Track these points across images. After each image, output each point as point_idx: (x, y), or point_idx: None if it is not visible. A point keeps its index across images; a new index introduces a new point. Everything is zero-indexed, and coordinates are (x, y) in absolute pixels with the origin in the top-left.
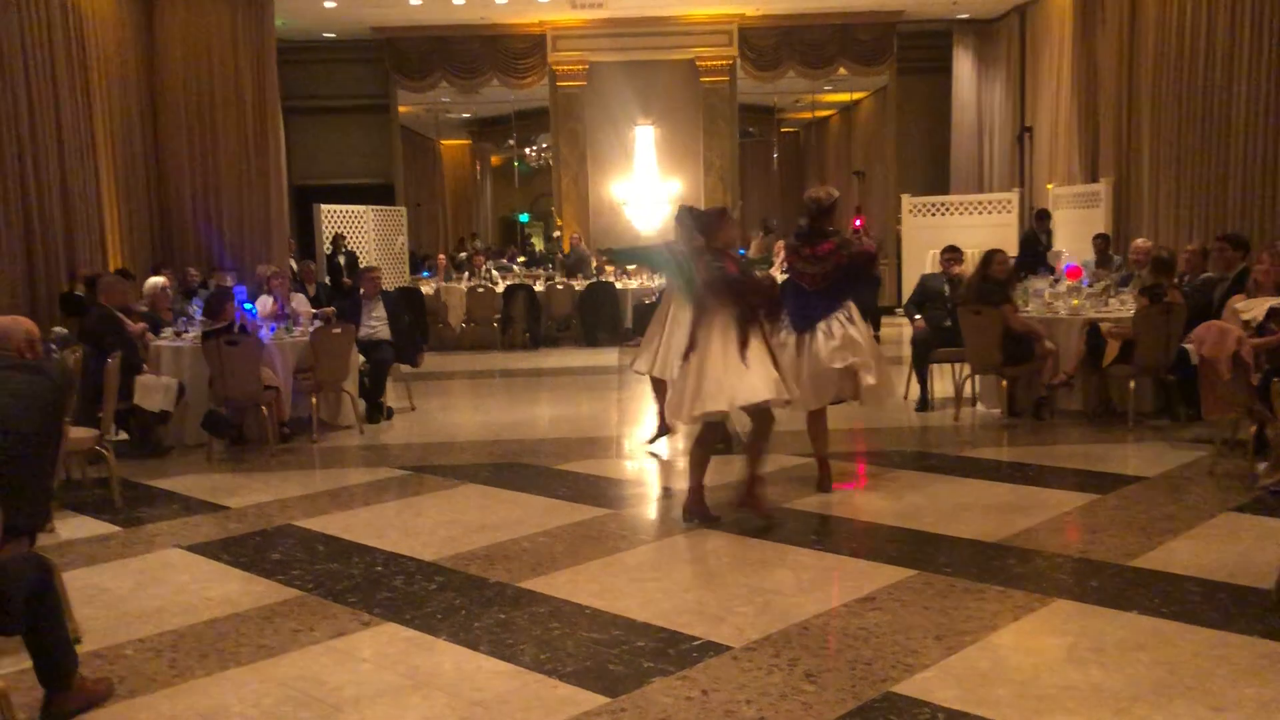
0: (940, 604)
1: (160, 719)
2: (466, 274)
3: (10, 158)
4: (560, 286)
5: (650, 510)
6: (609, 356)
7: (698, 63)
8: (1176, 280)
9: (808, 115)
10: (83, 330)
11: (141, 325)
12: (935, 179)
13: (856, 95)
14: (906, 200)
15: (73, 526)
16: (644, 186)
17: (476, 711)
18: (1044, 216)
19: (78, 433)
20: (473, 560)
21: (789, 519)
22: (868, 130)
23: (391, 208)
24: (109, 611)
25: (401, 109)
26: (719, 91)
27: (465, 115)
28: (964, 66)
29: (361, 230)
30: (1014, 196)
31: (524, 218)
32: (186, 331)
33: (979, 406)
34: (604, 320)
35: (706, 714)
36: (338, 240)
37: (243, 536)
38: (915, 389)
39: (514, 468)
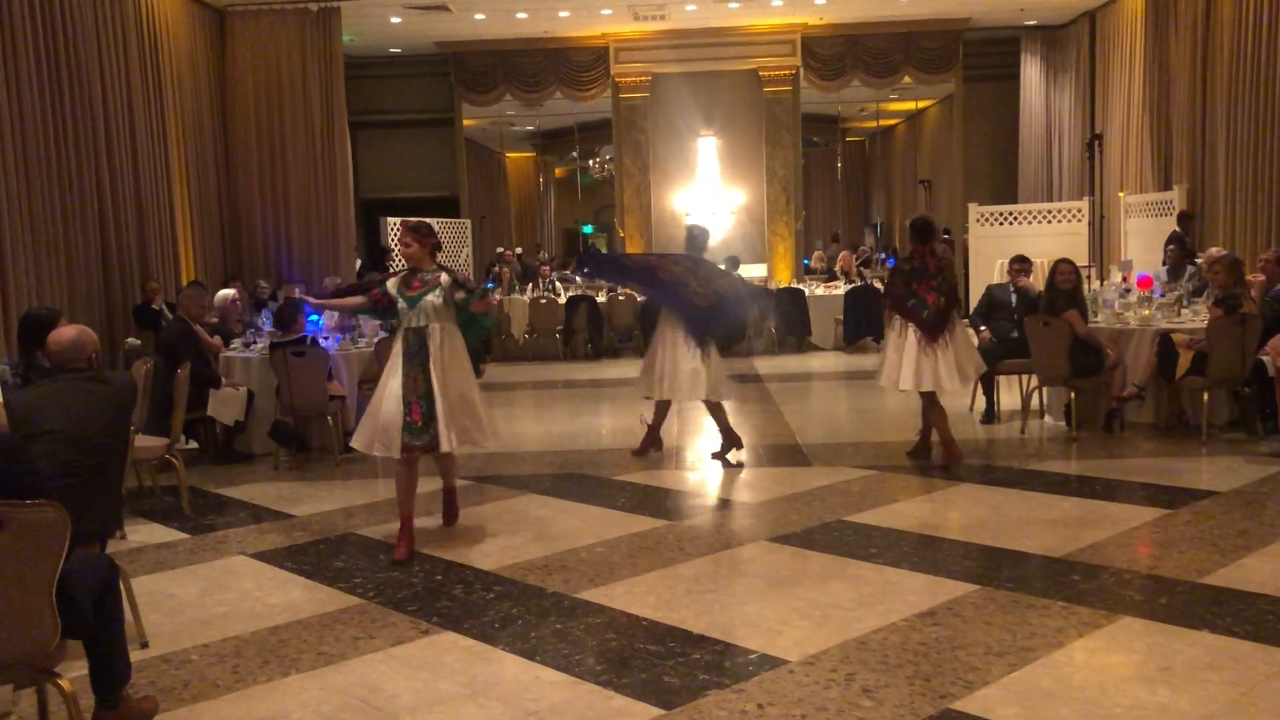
0: (1003, 620)
1: None
2: (530, 285)
3: (88, 173)
4: (622, 297)
5: (709, 522)
6: None
7: (760, 73)
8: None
9: (872, 124)
10: (158, 342)
11: (217, 339)
12: (1003, 188)
13: (922, 103)
14: (974, 209)
15: (143, 533)
16: (706, 197)
17: None
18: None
19: (149, 441)
20: (531, 570)
21: (848, 532)
22: (934, 139)
23: (456, 220)
24: (175, 617)
25: (466, 122)
26: (782, 101)
27: (529, 128)
28: (1032, 73)
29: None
30: (1084, 205)
31: (588, 229)
32: (255, 343)
33: (1046, 419)
34: None
35: None
36: (383, 254)
37: (306, 544)
38: (981, 401)
39: (574, 478)
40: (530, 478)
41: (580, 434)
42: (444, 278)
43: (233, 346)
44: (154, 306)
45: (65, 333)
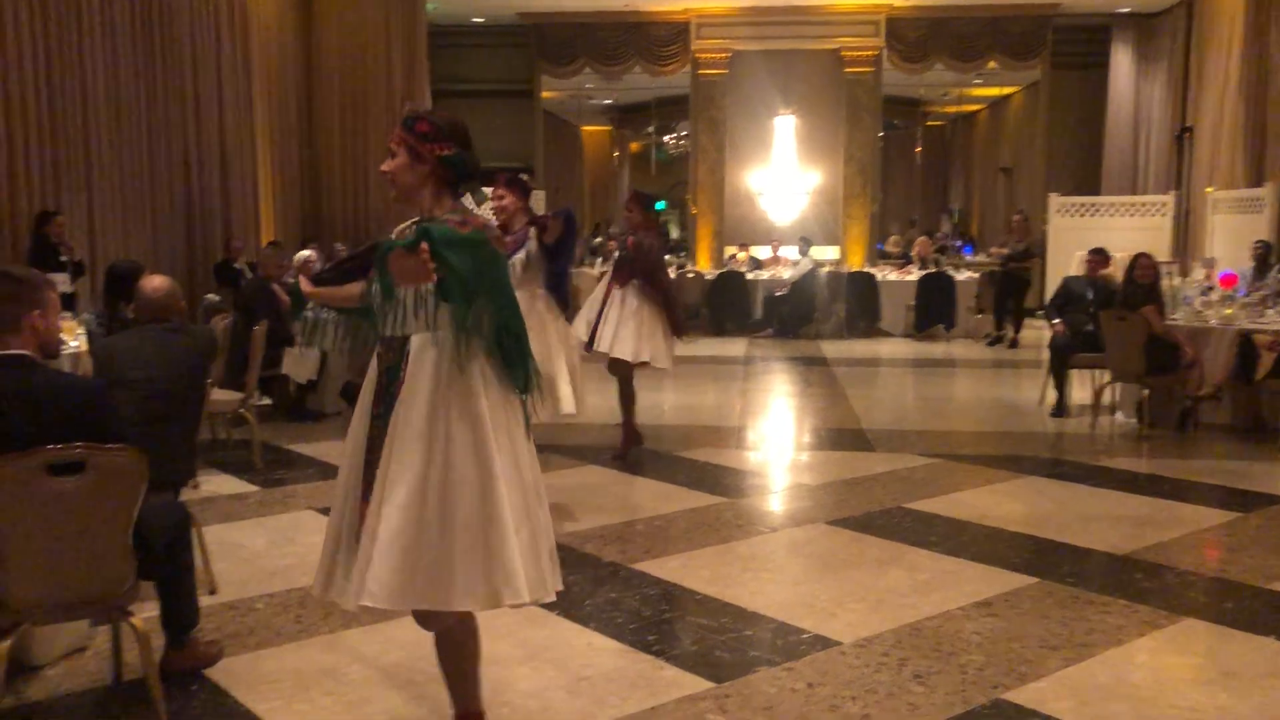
0: (1060, 614)
1: (284, 670)
2: (599, 259)
3: (176, 135)
4: (691, 275)
5: (768, 502)
6: (736, 347)
7: (842, 53)
8: None
9: (954, 109)
10: (237, 299)
11: None
12: (1086, 178)
13: (1006, 90)
14: (1054, 199)
15: (215, 484)
16: (781, 177)
17: (583, 686)
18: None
19: (224, 395)
20: (588, 539)
21: (907, 519)
22: (1017, 125)
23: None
24: (243, 566)
25: (545, 94)
26: (863, 82)
27: (607, 101)
28: (1122, 62)
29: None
30: (1169, 199)
31: (660, 205)
32: None
33: (1118, 415)
34: (733, 310)
35: (811, 707)
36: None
37: None
38: (1052, 394)
39: (634, 451)
40: (591, 449)
41: (641, 408)
42: (532, 231)
43: (308, 308)
44: (235, 265)
45: (151, 284)
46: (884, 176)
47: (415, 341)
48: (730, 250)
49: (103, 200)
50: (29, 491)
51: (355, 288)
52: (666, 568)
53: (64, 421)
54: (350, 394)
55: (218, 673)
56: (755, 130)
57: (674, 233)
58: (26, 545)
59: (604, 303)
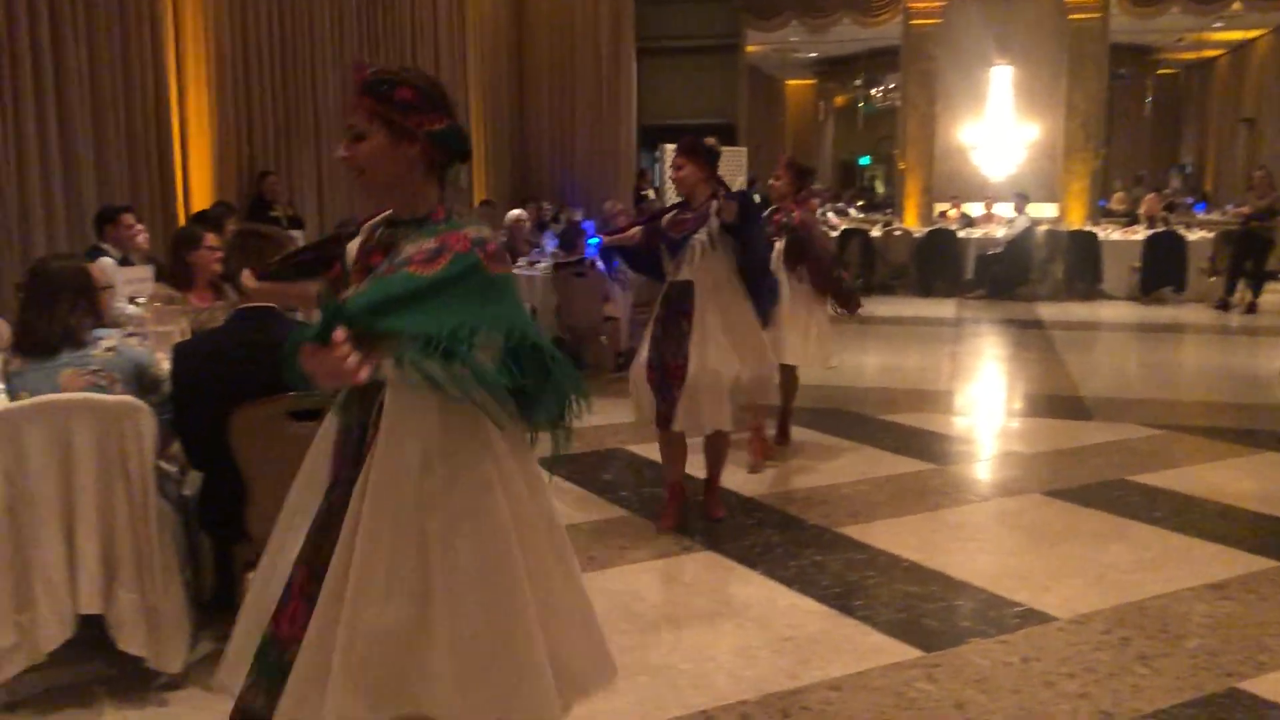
0: None
1: None
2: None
3: None
4: (898, 233)
5: (978, 470)
6: (945, 308)
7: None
8: None
9: (1190, 55)
10: None
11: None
12: None
13: (1251, 33)
14: None
15: None
16: (996, 130)
17: (787, 646)
18: None
19: None
20: (792, 501)
21: (1130, 492)
22: (1263, 72)
23: (733, 148)
24: None
25: (749, 49)
26: (1088, 30)
27: (812, 55)
28: None
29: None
30: None
31: (864, 160)
32: (538, 262)
33: None
34: (943, 270)
35: (1025, 681)
36: (642, 174)
37: (578, 455)
38: None
39: (838, 414)
40: (794, 410)
41: (845, 371)
42: (714, 205)
43: (519, 265)
44: None
45: None
46: (1109, 130)
47: (392, 382)
48: (940, 207)
49: (332, 159)
50: (273, 435)
51: (311, 287)
52: (872, 533)
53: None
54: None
55: None
56: (969, 82)
57: (880, 189)
58: (271, 485)
59: None
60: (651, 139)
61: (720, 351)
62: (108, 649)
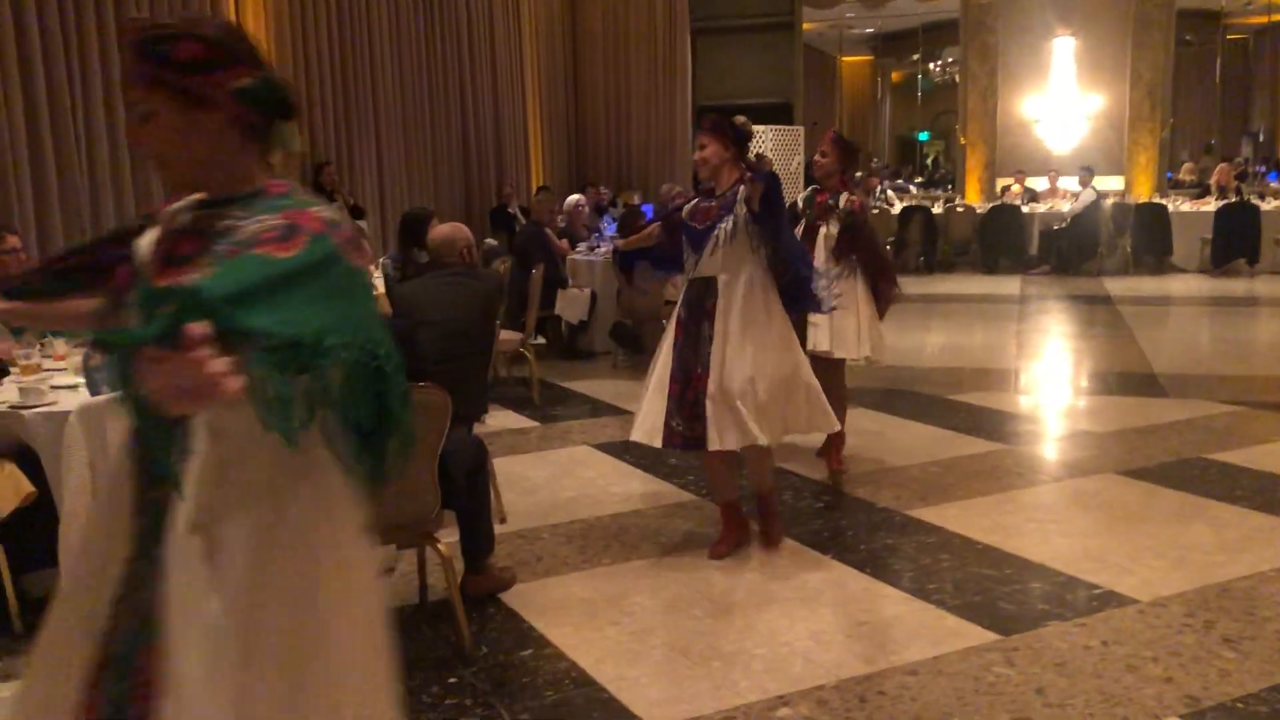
0: None
1: (572, 597)
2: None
3: (453, 87)
4: (960, 209)
5: (1050, 450)
6: (1010, 285)
7: None
8: None
9: (1260, 20)
10: (512, 244)
11: (565, 243)
12: None
13: None
14: None
15: (499, 418)
16: (1059, 103)
17: (862, 630)
18: None
19: (505, 335)
20: (860, 484)
21: (1210, 470)
22: None
23: (788, 127)
24: (528, 498)
25: (805, 26)
26: None
27: (869, 30)
28: None
29: (759, 150)
30: None
31: (923, 136)
32: (598, 246)
33: None
34: (1007, 245)
35: (1106, 665)
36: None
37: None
38: None
39: (903, 394)
40: (856, 391)
41: (910, 350)
42: (741, 190)
43: (578, 250)
44: (509, 210)
45: (441, 230)
46: (1175, 99)
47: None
48: (1004, 182)
49: (389, 148)
50: None
51: (80, 305)
52: (944, 515)
53: None
54: (619, 334)
55: (512, 597)
56: (1030, 54)
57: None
58: None
59: None
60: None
61: (748, 356)
62: None
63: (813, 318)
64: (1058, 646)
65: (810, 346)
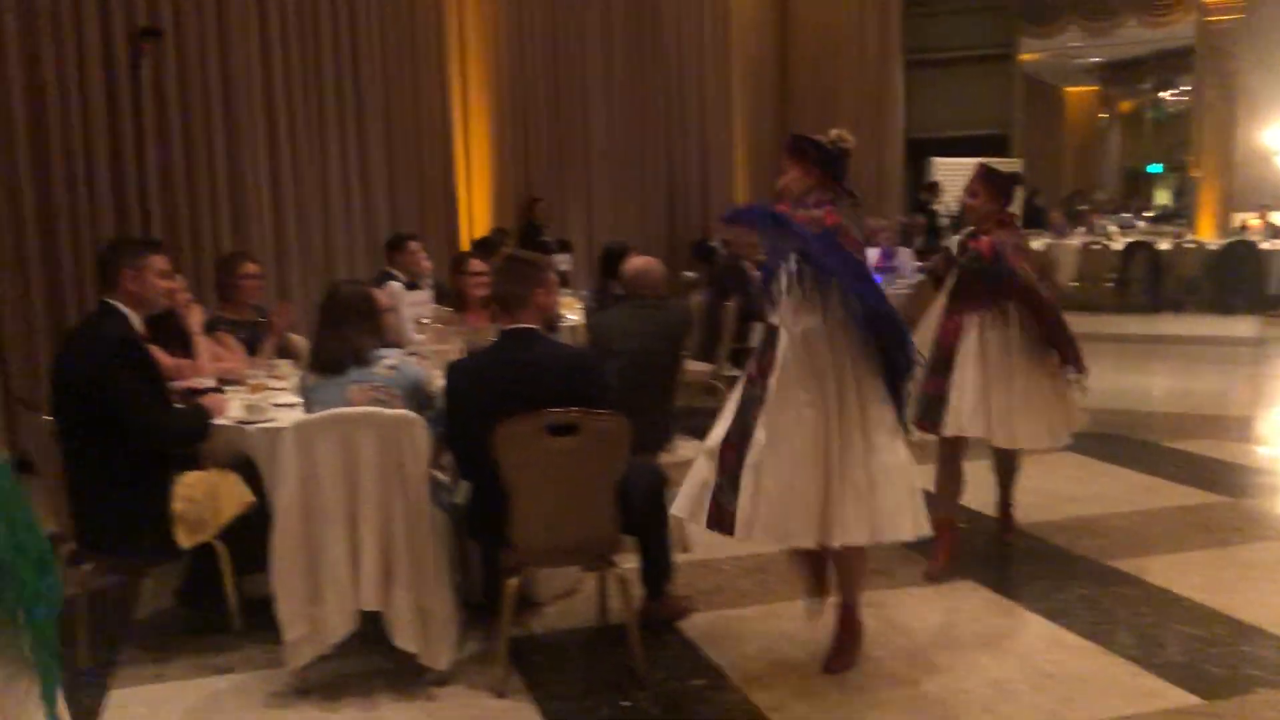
0: None
1: (749, 630)
2: (1082, 229)
3: (661, 122)
4: (1190, 245)
5: (1278, 504)
6: (1245, 325)
7: None
8: None
9: None
10: (710, 276)
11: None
12: None
13: None
14: None
15: (688, 449)
16: None
17: (1049, 683)
18: None
19: (697, 366)
20: (1059, 530)
21: None
22: None
23: (1004, 159)
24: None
25: (1024, 57)
26: None
27: (1094, 59)
28: None
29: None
30: None
31: (1155, 168)
32: None
33: None
34: (1242, 284)
35: None
36: (933, 188)
37: None
38: None
39: (1117, 439)
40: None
41: (1127, 392)
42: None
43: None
44: (710, 243)
45: (635, 263)
46: None
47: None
48: (1242, 217)
49: (600, 183)
50: (533, 449)
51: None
52: (1149, 568)
53: (562, 387)
54: None
55: (688, 626)
56: (1274, 81)
57: (1165, 199)
58: (531, 497)
59: (950, 345)
60: (919, 153)
61: (809, 436)
62: (385, 644)
63: (955, 387)
64: (1266, 716)
65: (948, 428)
